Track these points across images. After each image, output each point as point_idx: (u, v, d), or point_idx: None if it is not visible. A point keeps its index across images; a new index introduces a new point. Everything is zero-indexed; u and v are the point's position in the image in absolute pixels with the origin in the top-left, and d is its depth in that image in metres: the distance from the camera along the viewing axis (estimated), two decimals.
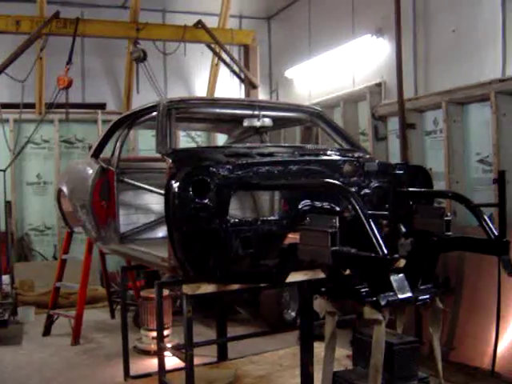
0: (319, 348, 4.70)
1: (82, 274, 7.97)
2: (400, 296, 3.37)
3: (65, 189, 7.08)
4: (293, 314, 8.28)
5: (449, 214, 4.45)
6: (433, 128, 8.04)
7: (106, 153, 6.62)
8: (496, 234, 4.14)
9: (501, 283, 6.38)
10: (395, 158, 8.33)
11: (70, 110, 10.56)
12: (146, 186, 6.14)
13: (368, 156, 5.43)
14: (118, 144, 6.39)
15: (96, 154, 6.62)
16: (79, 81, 11.41)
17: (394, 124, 8.57)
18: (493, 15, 6.97)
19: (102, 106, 11.50)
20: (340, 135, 5.98)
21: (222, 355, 6.69)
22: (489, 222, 4.21)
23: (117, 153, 6.28)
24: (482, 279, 6.67)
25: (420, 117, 8.22)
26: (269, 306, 8.34)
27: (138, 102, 8.80)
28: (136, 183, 6.24)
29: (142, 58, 10.45)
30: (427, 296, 4.20)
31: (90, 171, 6.33)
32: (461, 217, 7.10)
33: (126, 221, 6.41)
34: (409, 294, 3.41)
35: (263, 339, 7.24)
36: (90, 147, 7.05)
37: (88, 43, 11.47)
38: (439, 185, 7.47)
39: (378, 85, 9.05)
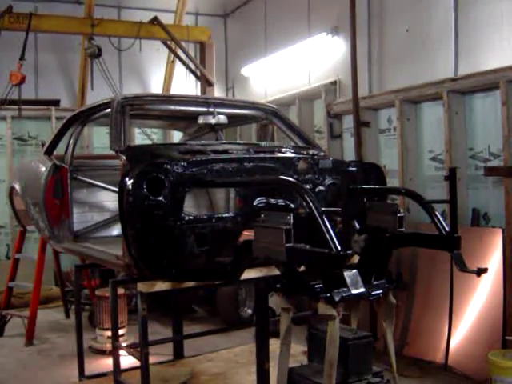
0: (275, 345, 4.72)
1: (36, 274, 7.87)
2: (354, 292, 3.40)
3: (17, 186, 6.96)
4: (249, 311, 8.29)
5: (402, 210, 4.50)
6: (387, 126, 8.14)
7: (60, 150, 6.53)
8: (448, 229, 4.20)
9: (453, 279, 6.51)
10: (350, 155, 8.41)
11: (23, 107, 10.33)
12: (100, 184, 6.08)
13: (322, 153, 5.48)
14: (72, 141, 6.31)
15: (49, 152, 6.52)
16: (32, 77, 11.23)
17: (348, 122, 8.65)
18: (446, 15, 7.08)
19: (55, 103, 11.29)
20: (295, 133, 6.01)
21: (178, 353, 6.67)
22: (440, 218, 4.27)
23: (70, 150, 6.22)
24: (435, 275, 6.79)
25: (374, 115, 8.31)
26: (225, 304, 8.34)
27: (93, 98, 8.68)
28: (90, 181, 6.18)
29: (97, 54, 10.28)
30: (380, 291, 4.24)
31: (43, 169, 6.23)
32: (414, 213, 7.21)
33: (80, 219, 6.34)
34: (362, 290, 3.44)
35: (219, 337, 7.25)
36: (43, 144, 6.93)
37: (41, 39, 11.27)
38: (393, 182, 7.57)
39: (333, 83, 9.11)
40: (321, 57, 9.50)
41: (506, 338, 5.99)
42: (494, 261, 6.21)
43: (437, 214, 4.27)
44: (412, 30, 7.67)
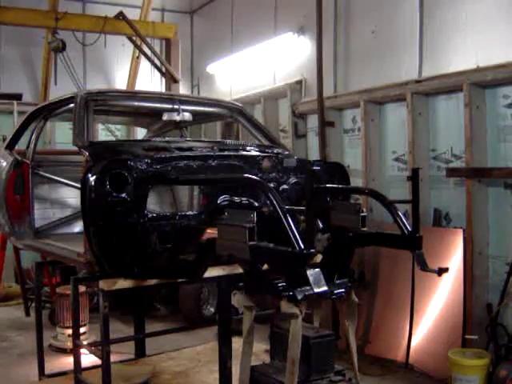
0: (238, 343, 4.71)
1: None
2: (316, 290, 3.41)
3: None
4: (212, 309, 8.28)
5: (365, 210, 4.53)
6: (351, 126, 8.19)
7: (22, 145, 6.43)
8: (410, 229, 4.24)
9: (414, 278, 6.58)
10: (314, 154, 8.45)
11: None
12: (62, 180, 6.02)
13: (287, 152, 5.49)
14: (34, 136, 6.22)
15: (10, 146, 6.41)
16: None
17: (313, 121, 8.68)
18: (411, 17, 7.15)
19: (18, 97, 11.10)
20: (260, 131, 6.02)
21: (140, 352, 6.62)
22: (403, 217, 4.31)
23: (32, 145, 6.13)
24: (397, 274, 6.85)
25: (339, 115, 8.35)
26: (188, 302, 8.31)
27: (56, 93, 8.54)
28: (52, 176, 6.11)
29: (61, 48, 10.15)
30: (343, 290, 4.27)
31: (4, 164, 6.12)
32: (376, 213, 7.26)
33: (42, 215, 6.25)
34: (325, 288, 3.45)
35: (182, 335, 7.23)
36: (4, 139, 6.82)
37: (4, 31, 11.09)
38: (356, 182, 7.62)
39: (299, 82, 9.14)
40: (287, 56, 9.51)
41: (466, 336, 6.08)
42: (454, 260, 6.29)
43: (399, 213, 4.31)
44: (378, 31, 7.72)
